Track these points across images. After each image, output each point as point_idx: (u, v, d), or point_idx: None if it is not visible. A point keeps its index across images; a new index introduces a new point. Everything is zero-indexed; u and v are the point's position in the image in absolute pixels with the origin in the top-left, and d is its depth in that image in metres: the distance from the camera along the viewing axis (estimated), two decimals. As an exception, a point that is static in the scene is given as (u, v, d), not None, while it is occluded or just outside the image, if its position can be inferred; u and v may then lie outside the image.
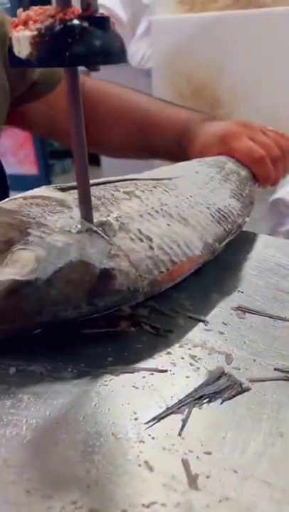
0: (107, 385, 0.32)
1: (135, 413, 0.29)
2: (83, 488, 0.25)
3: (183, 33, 1.60)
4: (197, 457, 0.26)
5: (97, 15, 0.28)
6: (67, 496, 0.24)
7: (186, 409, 0.29)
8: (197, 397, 0.30)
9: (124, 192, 0.42)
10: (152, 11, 1.71)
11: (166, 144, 0.70)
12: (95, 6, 0.29)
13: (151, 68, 1.75)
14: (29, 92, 0.70)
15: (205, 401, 0.30)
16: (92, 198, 0.37)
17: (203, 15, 1.58)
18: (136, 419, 0.29)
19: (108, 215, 0.37)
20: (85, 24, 0.28)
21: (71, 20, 0.28)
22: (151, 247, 0.37)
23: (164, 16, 1.66)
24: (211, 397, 0.30)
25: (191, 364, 0.34)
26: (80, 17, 0.28)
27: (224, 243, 0.45)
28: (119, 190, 0.42)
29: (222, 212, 0.46)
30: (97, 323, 0.38)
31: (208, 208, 0.45)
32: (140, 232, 0.38)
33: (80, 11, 0.28)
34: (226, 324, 0.38)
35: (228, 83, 1.57)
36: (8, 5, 2.34)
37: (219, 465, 0.26)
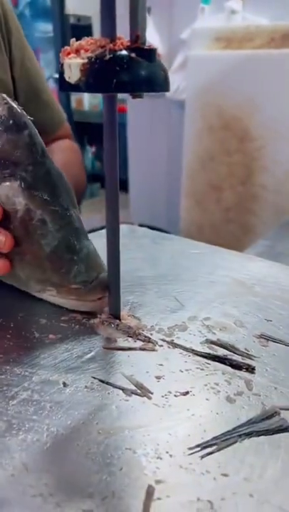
0: (127, 401, 0.32)
1: (153, 430, 0.30)
2: (99, 498, 0.25)
3: (218, 68, 1.65)
4: (214, 478, 0.26)
5: (145, 47, 0.30)
6: (83, 504, 0.25)
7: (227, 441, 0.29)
8: (247, 433, 0.30)
9: None
10: (189, 46, 1.77)
11: None
12: (143, 38, 0.31)
13: (184, 100, 1.80)
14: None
15: (252, 437, 0.29)
16: None
17: (239, 52, 1.63)
18: (154, 436, 0.29)
19: None
20: (133, 55, 0.30)
21: (120, 50, 0.30)
22: None
23: (201, 51, 1.72)
24: (261, 435, 0.30)
25: (212, 387, 0.34)
26: (128, 48, 0.30)
27: None
28: None
29: None
30: (119, 340, 0.39)
31: None
32: None
33: (129, 42, 0.30)
34: (248, 351, 0.38)
35: (259, 118, 1.60)
36: (52, 34, 2.45)
37: (235, 488, 0.26)
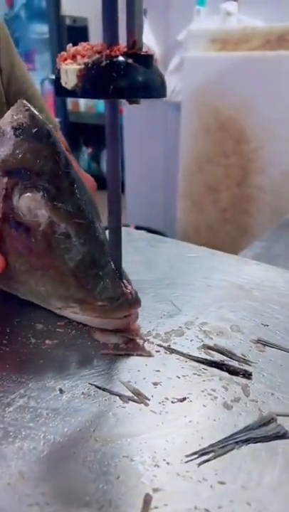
0: (124, 407, 0.32)
1: (150, 437, 0.30)
2: (96, 507, 0.25)
3: (214, 70, 1.65)
4: (211, 486, 0.26)
5: (142, 52, 0.30)
6: (81, 513, 0.24)
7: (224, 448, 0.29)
8: (244, 439, 0.29)
9: None
10: (185, 47, 1.78)
11: None
12: (140, 43, 0.31)
13: (180, 102, 1.80)
14: None
15: (249, 443, 0.29)
16: None
17: (235, 54, 1.63)
18: (151, 443, 0.29)
19: None
20: (130, 60, 0.30)
21: (117, 56, 0.30)
22: None
23: (197, 53, 1.72)
24: (258, 441, 0.29)
25: (209, 394, 0.34)
26: (125, 54, 0.30)
27: None
28: None
29: None
30: (116, 345, 0.39)
31: None
32: None
33: (126, 48, 0.30)
34: (245, 356, 0.38)
35: (255, 120, 1.60)
36: (48, 36, 2.45)
37: (233, 496, 0.26)
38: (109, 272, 0.39)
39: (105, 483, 0.26)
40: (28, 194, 0.38)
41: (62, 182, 0.38)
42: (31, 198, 0.37)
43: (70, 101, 3.28)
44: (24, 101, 0.39)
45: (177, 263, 0.57)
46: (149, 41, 1.92)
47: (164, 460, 0.28)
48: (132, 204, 2.35)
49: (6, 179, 0.38)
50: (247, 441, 0.29)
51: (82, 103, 3.39)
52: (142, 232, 0.70)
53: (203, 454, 0.28)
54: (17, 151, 0.38)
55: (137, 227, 1.83)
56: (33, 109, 0.38)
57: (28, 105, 0.38)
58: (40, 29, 2.59)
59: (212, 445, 0.29)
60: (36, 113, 0.38)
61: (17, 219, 0.38)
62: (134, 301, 0.39)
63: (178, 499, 0.26)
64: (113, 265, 0.39)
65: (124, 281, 0.39)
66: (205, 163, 1.77)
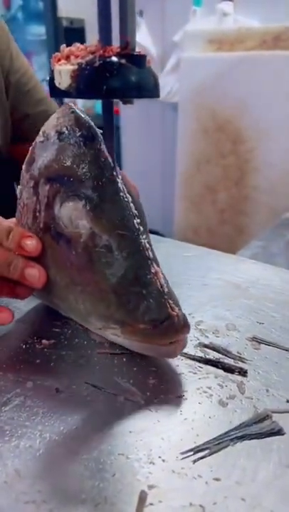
0: (120, 406, 0.32)
1: (146, 435, 0.30)
2: (92, 504, 0.25)
3: (210, 70, 1.66)
4: (206, 482, 0.27)
5: (135, 53, 0.30)
6: (77, 510, 0.25)
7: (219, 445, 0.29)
8: (239, 436, 0.30)
9: None
10: (182, 48, 1.78)
11: None
12: (133, 44, 0.31)
13: (177, 102, 1.81)
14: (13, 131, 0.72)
15: (244, 440, 0.29)
16: None
17: (231, 54, 1.64)
18: (147, 440, 0.29)
19: None
20: (123, 61, 0.30)
21: (110, 57, 0.30)
22: None
23: (193, 53, 1.73)
24: (253, 438, 0.30)
25: (204, 391, 0.34)
26: (118, 54, 0.30)
27: None
28: None
29: None
30: (112, 344, 0.39)
31: None
32: None
33: (119, 49, 0.31)
34: (240, 354, 0.38)
35: (250, 120, 1.61)
36: (45, 37, 2.45)
37: (227, 492, 0.26)
38: (153, 290, 0.34)
39: (101, 481, 0.27)
40: (69, 203, 0.35)
41: (105, 190, 0.35)
42: (73, 207, 0.35)
43: (67, 103, 3.28)
44: (70, 103, 0.36)
45: (174, 262, 0.57)
46: (146, 42, 1.93)
47: (160, 457, 0.28)
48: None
49: (48, 186, 0.36)
50: (242, 438, 0.30)
51: (80, 104, 3.40)
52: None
53: (198, 451, 0.29)
54: (60, 157, 0.36)
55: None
56: (79, 111, 0.36)
57: (74, 107, 0.36)
58: (38, 30, 2.60)
59: (207, 442, 0.29)
60: (82, 115, 0.36)
61: (58, 229, 0.36)
62: (182, 326, 0.34)
63: (173, 496, 0.26)
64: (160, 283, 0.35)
65: (171, 301, 0.35)
66: (203, 163, 1.78)
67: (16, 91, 0.69)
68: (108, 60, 0.30)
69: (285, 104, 1.54)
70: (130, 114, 2.15)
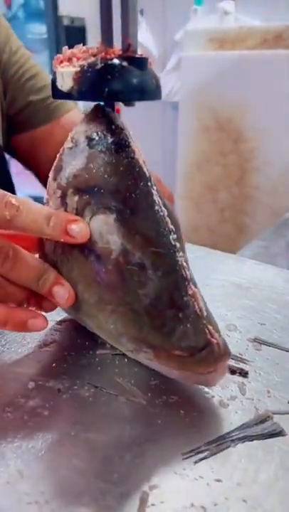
0: (122, 406, 0.32)
1: (147, 435, 0.30)
2: (94, 505, 0.25)
3: (211, 69, 1.65)
4: (207, 484, 0.27)
5: (137, 55, 0.31)
6: (79, 511, 0.25)
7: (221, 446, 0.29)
8: (240, 437, 0.30)
9: None
10: (183, 47, 1.78)
11: None
12: (135, 46, 0.31)
13: (178, 101, 1.81)
14: (12, 122, 0.71)
15: (245, 441, 0.30)
16: None
17: (232, 53, 1.63)
18: (148, 441, 0.29)
19: None
20: (125, 63, 0.30)
21: (112, 59, 0.30)
22: None
23: (194, 52, 1.72)
24: (254, 439, 0.30)
25: (205, 392, 0.34)
26: (120, 56, 0.31)
27: None
28: None
29: None
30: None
31: None
32: None
33: (121, 51, 0.31)
34: (241, 355, 0.38)
35: (251, 119, 1.61)
36: (46, 36, 2.45)
37: (228, 493, 0.26)
38: (191, 314, 0.32)
39: (103, 482, 0.27)
40: (100, 216, 0.32)
41: (139, 203, 0.32)
42: (103, 220, 0.32)
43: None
44: (102, 104, 0.34)
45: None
46: (147, 41, 1.93)
47: (161, 458, 0.28)
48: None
49: (76, 197, 0.34)
50: (243, 439, 0.30)
51: (81, 106, 3.39)
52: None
53: (199, 452, 0.29)
54: (90, 165, 0.33)
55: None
56: (112, 114, 0.34)
57: (107, 110, 0.34)
58: (39, 29, 2.59)
59: (208, 443, 0.29)
60: (115, 119, 0.33)
61: (87, 244, 0.33)
62: (222, 354, 0.32)
63: (174, 497, 0.26)
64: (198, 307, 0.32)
65: (210, 327, 0.32)
66: (203, 162, 1.78)
67: (14, 83, 0.68)
68: (110, 62, 0.30)
69: (286, 103, 1.54)
70: (131, 113, 2.15)
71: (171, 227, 0.33)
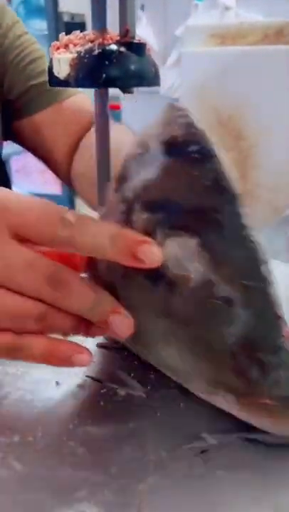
0: (121, 399, 0.32)
1: (148, 428, 0.29)
2: (93, 500, 0.25)
3: (212, 65, 1.64)
4: (210, 478, 0.26)
5: (134, 41, 0.30)
6: (78, 507, 0.24)
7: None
8: (249, 438, 0.29)
9: None
10: (183, 43, 1.77)
11: None
12: (133, 32, 0.30)
13: (179, 98, 1.80)
14: (12, 107, 0.68)
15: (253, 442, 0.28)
16: None
17: (233, 49, 1.62)
18: (149, 434, 0.29)
19: None
20: (122, 49, 0.30)
21: (109, 44, 0.30)
22: None
23: (195, 48, 1.71)
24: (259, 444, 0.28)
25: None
26: (117, 42, 0.30)
27: None
28: None
29: None
30: (112, 338, 0.39)
31: None
32: None
33: (119, 37, 0.30)
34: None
35: (254, 115, 1.60)
36: (47, 32, 2.44)
37: (232, 488, 0.26)
38: (286, 359, 0.26)
39: (103, 476, 0.26)
40: (176, 239, 0.27)
41: (227, 225, 0.26)
42: (181, 244, 0.27)
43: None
44: (178, 104, 0.28)
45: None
46: (147, 36, 1.92)
47: (162, 451, 0.28)
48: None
49: (145, 215, 0.28)
50: (252, 440, 0.29)
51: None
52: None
53: (204, 451, 0.28)
54: (165, 177, 0.27)
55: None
56: (192, 115, 0.27)
57: (185, 110, 0.27)
58: (39, 25, 2.59)
59: (211, 437, 0.29)
60: (197, 120, 0.27)
61: (157, 270, 0.27)
62: None
63: (176, 491, 0.25)
64: None
65: None
66: (204, 158, 1.77)
67: (14, 67, 0.65)
68: (107, 48, 0.30)
69: (287, 100, 1.54)
70: (131, 110, 2.14)
71: (264, 256, 0.27)
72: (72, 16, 2.48)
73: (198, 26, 1.76)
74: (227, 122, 1.79)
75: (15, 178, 2.43)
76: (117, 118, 2.11)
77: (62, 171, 0.69)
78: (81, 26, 2.35)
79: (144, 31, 1.92)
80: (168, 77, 1.87)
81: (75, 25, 2.39)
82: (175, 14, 1.92)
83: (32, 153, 0.73)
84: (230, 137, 1.82)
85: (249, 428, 0.29)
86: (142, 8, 1.95)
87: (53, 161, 0.69)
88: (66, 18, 2.47)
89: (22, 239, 0.28)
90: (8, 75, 0.66)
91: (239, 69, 1.65)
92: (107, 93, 0.34)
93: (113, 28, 0.31)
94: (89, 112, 0.65)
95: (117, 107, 2.19)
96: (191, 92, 1.82)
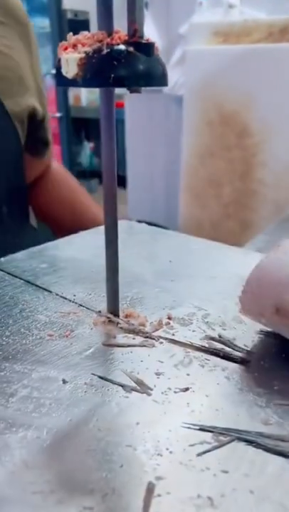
0: (127, 397, 0.32)
1: (153, 426, 0.30)
2: (100, 495, 0.25)
3: (216, 63, 1.64)
4: (214, 475, 0.26)
5: (143, 41, 0.30)
6: (84, 501, 0.25)
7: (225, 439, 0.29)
8: (249, 439, 0.29)
9: None
10: (187, 41, 1.76)
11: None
12: (141, 32, 0.31)
13: (182, 95, 1.80)
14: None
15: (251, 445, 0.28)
16: None
17: (237, 47, 1.62)
18: (154, 432, 0.29)
19: None
20: (131, 49, 0.30)
21: (118, 44, 0.30)
22: None
23: (199, 46, 1.71)
24: (261, 448, 0.28)
25: (211, 384, 0.34)
26: (126, 42, 0.30)
27: None
28: None
29: None
30: (118, 336, 0.39)
31: None
32: None
33: (127, 36, 0.30)
34: (247, 347, 0.38)
35: (258, 113, 1.59)
36: (49, 29, 2.44)
37: (235, 484, 0.26)
38: None
39: (108, 472, 0.26)
40: None
41: None
42: None
43: (71, 95, 3.26)
44: None
45: (180, 255, 0.57)
46: (151, 34, 1.91)
47: (167, 449, 0.28)
48: (133, 198, 2.35)
49: None
50: (251, 442, 0.29)
51: (84, 97, 3.38)
52: (144, 225, 0.70)
53: (206, 444, 0.28)
54: None
55: (139, 222, 1.83)
56: None
57: None
58: (42, 23, 2.58)
59: (215, 434, 0.29)
60: None
61: None
62: None
63: (181, 487, 0.26)
64: None
65: None
66: (207, 157, 1.77)
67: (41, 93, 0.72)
68: (116, 48, 0.30)
69: (291, 98, 1.53)
70: (135, 107, 2.14)
71: None
72: (76, 13, 2.48)
73: (202, 24, 1.76)
74: (231, 120, 1.78)
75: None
76: (121, 115, 2.11)
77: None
78: (85, 24, 2.35)
79: (147, 29, 1.91)
80: (172, 74, 1.86)
81: (78, 22, 2.39)
82: (179, 12, 1.91)
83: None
84: (234, 135, 1.81)
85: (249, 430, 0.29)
86: (146, 6, 1.95)
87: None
88: (69, 16, 2.47)
89: None
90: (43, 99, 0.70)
91: (243, 67, 1.65)
92: (113, 91, 0.34)
93: (116, 26, 0.31)
94: None
95: (121, 105, 2.19)
96: (194, 90, 1.82)
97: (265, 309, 0.35)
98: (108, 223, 0.39)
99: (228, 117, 1.67)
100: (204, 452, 0.28)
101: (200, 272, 0.52)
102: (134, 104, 2.11)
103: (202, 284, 0.49)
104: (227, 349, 0.38)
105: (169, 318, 0.42)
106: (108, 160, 0.36)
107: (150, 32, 1.92)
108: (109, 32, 0.30)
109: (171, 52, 1.93)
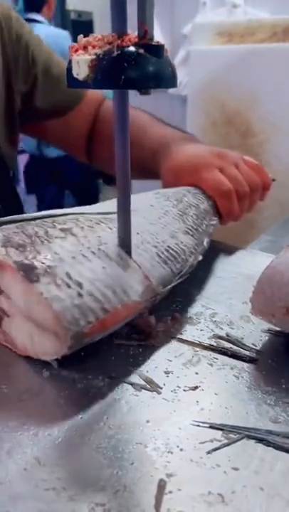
0: (137, 396, 0.33)
1: (163, 424, 0.30)
2: (111, 491, 0.25)
3: (220, 63, 1.64)
4: (224, 472, 0.27)
5: (153, 43, 0.30)
6: (96, 497, 0.25)
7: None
8: (258, 438, 0.29)
9: (60, 229, 0.37)
10: (191, 41, 1.77)
11: (141, 155, 0.68)
12: (151, 34, 0.31)
13: (186, 95, 1.80)
14: (49, 110, 0.73)
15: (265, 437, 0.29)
16: (23, 236, 0.35)
17: (241, 47, 1.62)
18: (164, 430, 0.30)
19: (34, 257, 0.33)
20: (141, 51, 0.30)
21: (128, 46, 0.30)
22: (79, 294, 0.33)
23: (203, 46, 1.71)
24: (270, 446, 0.29)
25: (220, 382, 0.34)
26: (136, 44, 0.30)
27: (170, 286, 0.40)
28: (55, 227, 0.37)
29: (171, 252, 0.41)
30: (129, 335, 0.39)
31: (155, 247, 0.41)
32: (69, 277, 0.33)
33: (137, 38, 0.30)
34: (255, 346, 0.38)
35: (261, 113, 1.60)
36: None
37: (246, 481, 0.26)
38: None
39: (120, 469, 0.27)
40: None
41: None
42: None
43: None
44: None
45: (186, 255, 0.57)
46: (155, 34, 1.92)
47: (178, 447, 0.28)
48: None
49: None
50: (260, 440, 0.29)
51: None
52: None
53: (216, 441, 0.29)
54: None
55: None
56: None
57: None
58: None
59: (224, 432, 0.29)
60: None
61: None
62: None
63: (192, 484, 0.26)
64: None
65: None
66: (211, 157, 1.76)
67: (43, 77, 0.71)
68: (126, 50, 0.30)
69: (295, 97, 1.53)
70: (140, 106, 2.14)
71: None
72: (80, 13, 2.48)
73: (206, 24, 1.76)
74: (235, 120, 1.78)
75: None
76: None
77: (83, 153, 0.80)
78: (88, 24, 2.35)
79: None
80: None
81: (82, 23, 2.40)
82: (183, 12, 1.92)
83: (54, 144, 0.83)
84: (238, 135, 1.81)
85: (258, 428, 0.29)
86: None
87: (75, 147, 0.80)
88: (73, 16, 2.47)
89: None
90: (38, 84, 0.69)
91: (247, 67, 1.64)
92: (127, 94, 0.34)
93: (132, 30, 0.32)
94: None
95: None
96: (198, 90, 1.82)
97: (276, 310, 0.36)
98: (121, 225, 0.38)
99: (232, 117, 1.67)
100: (214, 450, 0.28)
101: (207, 271, 0.52)
102: (138, 104, 2.11)
103: (208, 283, 0.49)
104: (235, 348, 0.38)
105: (177, 317, 0.42)
106: (122, 161, 0.36)
107: (154, 32, 1.92)
108: (120, 34, 0.31)
109: (175, 52, 1.93)
